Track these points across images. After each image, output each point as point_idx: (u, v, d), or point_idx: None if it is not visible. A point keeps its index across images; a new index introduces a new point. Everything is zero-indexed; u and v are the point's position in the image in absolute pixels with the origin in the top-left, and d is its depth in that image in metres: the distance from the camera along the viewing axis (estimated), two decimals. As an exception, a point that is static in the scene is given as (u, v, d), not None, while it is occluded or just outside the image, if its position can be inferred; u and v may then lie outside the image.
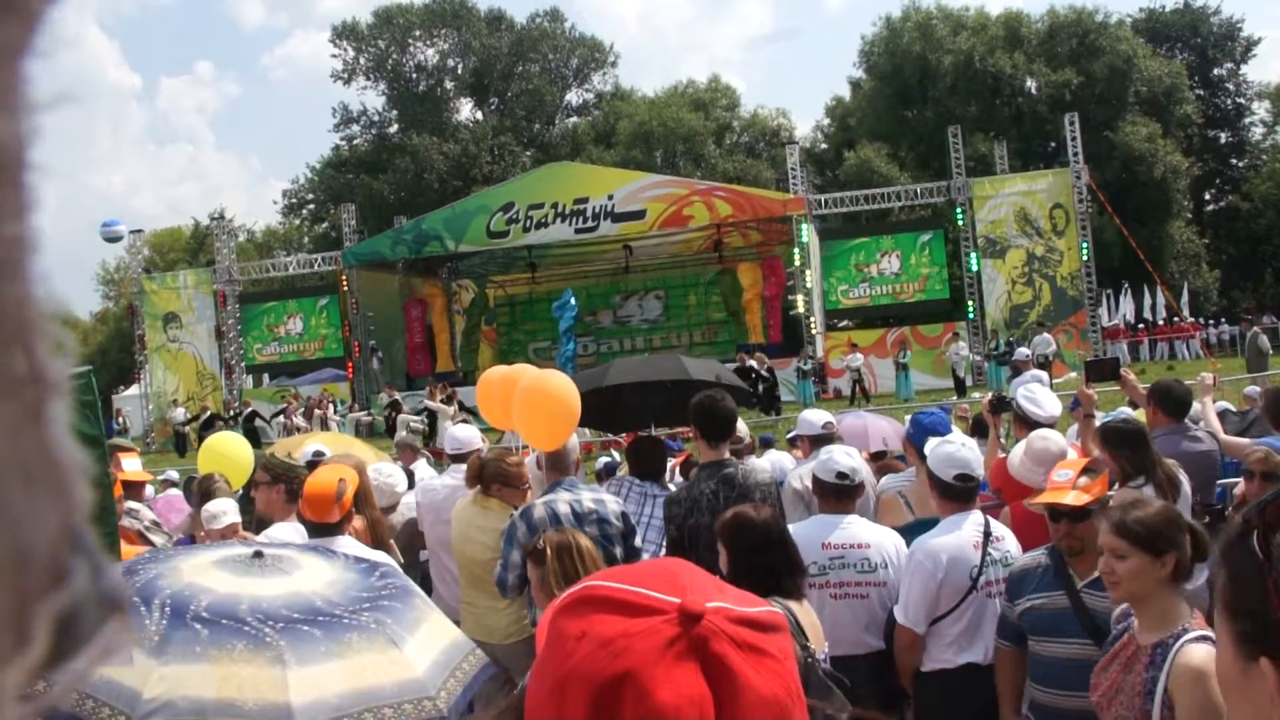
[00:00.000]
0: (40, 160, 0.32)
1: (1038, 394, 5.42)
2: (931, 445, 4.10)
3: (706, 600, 0.79)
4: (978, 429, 8.29)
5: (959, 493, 3.90)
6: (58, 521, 0.33)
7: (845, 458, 4.18)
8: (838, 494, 4.11)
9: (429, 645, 2.33)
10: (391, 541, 4.66)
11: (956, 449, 3.95)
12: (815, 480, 4.20)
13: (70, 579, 0.33)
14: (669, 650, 0.75)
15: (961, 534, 3.82)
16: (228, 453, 5.95)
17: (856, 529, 4.08)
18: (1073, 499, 3.34)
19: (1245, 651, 0.87)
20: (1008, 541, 3.88)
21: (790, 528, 4.14)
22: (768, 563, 3.21)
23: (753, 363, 22.23)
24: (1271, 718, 0.85)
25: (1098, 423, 5.06)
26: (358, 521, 4.24)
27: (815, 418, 5.65)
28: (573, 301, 20.75)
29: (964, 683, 3.74)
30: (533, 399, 4.85)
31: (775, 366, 25.59)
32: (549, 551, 3.41)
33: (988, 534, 3.82)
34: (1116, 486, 4.66)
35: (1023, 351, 19.71)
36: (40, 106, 0.32)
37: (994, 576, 3.75)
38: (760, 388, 20.92)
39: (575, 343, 21.42)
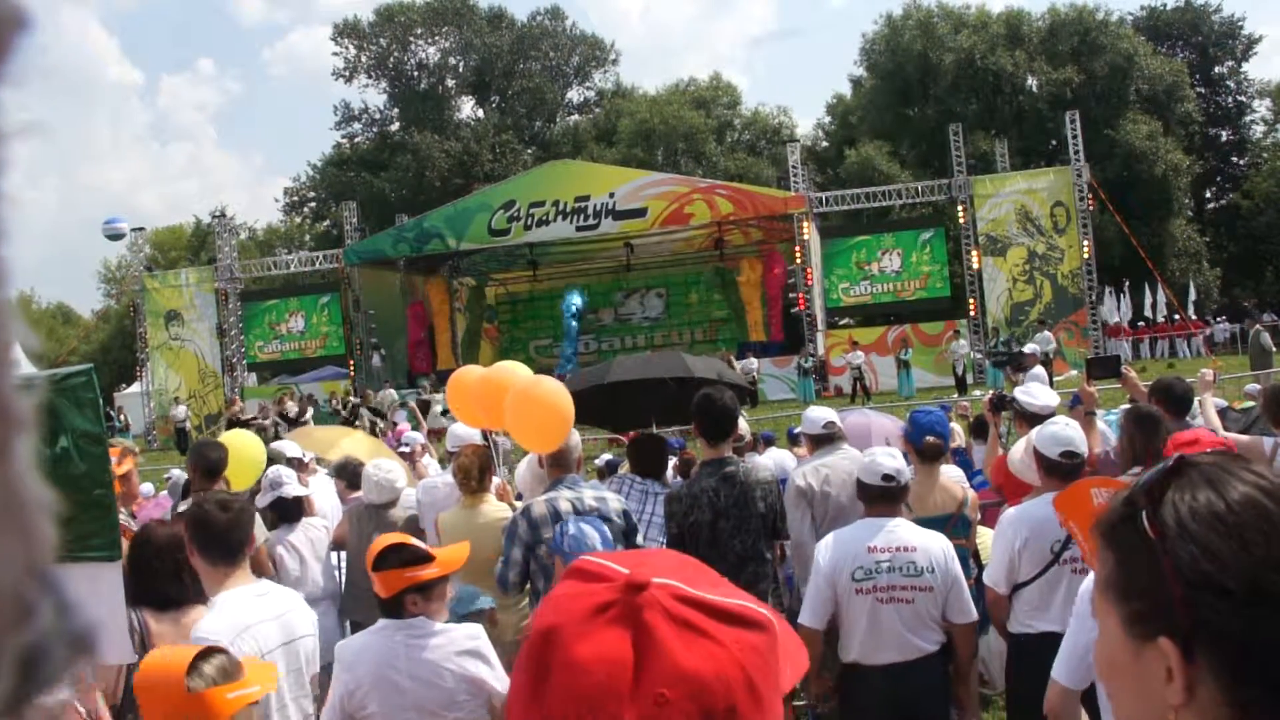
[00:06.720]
0: (11, 191, 0.31)
1: (1032, 388, 5.51)
2: (1040, 426, 4.25)
3: (662, 577, 0.82)
4: (978, 430, 8.26)
5: (1063, 469, 3.97)
6: (22, 560, 0.32)
7: (889, 459, 4.09)
8: (883, 496, 4.03)
9: None
10: None
11: (1061, 428, 4.08)
12: (859, 484, 4.12)
13: (35, 617, 0.32)
14: (601, 614, 0.80)
15: (1050, 507, 3.88)
16: (238, 451, 5.63)
17: (903, 532, 3.98)
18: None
19: (1138, 633, 0.89)
20: None
21: (836, 532, 4.14)
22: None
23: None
24: (1162, 698, 0.86)
25: (1099, 421, 5.08)
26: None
27: (817, 416, 5.62)
28: (577, 305, 20.55)
29: (1041, 649, 3.76)
30: (524, 406, 4.81)
31: (776, 364, 25.71)
32: None
33: None
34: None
35: (1032, 346, 19.56)
36: (11, 136, 0.31)
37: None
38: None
39: (577, 343, 21.36)
